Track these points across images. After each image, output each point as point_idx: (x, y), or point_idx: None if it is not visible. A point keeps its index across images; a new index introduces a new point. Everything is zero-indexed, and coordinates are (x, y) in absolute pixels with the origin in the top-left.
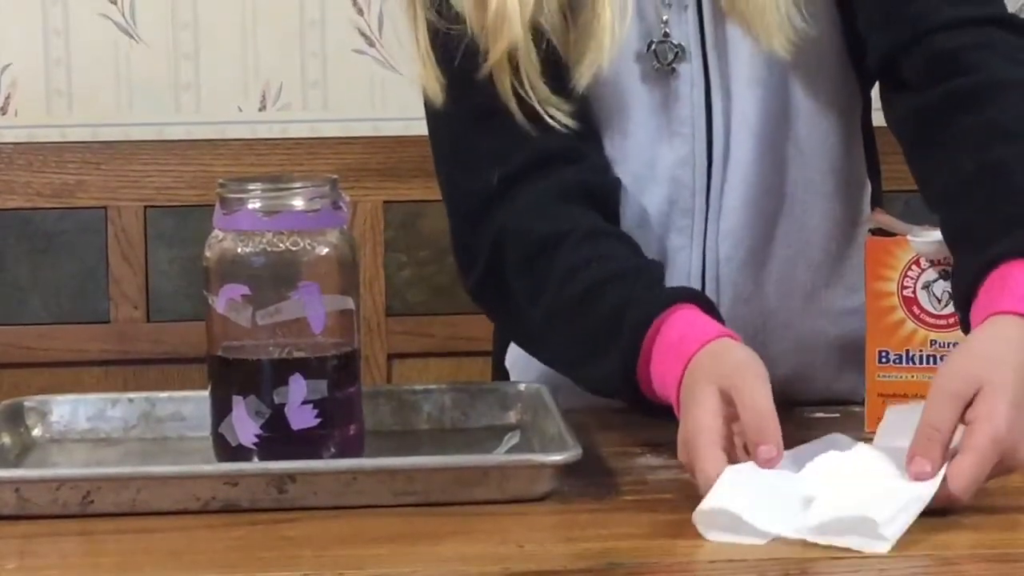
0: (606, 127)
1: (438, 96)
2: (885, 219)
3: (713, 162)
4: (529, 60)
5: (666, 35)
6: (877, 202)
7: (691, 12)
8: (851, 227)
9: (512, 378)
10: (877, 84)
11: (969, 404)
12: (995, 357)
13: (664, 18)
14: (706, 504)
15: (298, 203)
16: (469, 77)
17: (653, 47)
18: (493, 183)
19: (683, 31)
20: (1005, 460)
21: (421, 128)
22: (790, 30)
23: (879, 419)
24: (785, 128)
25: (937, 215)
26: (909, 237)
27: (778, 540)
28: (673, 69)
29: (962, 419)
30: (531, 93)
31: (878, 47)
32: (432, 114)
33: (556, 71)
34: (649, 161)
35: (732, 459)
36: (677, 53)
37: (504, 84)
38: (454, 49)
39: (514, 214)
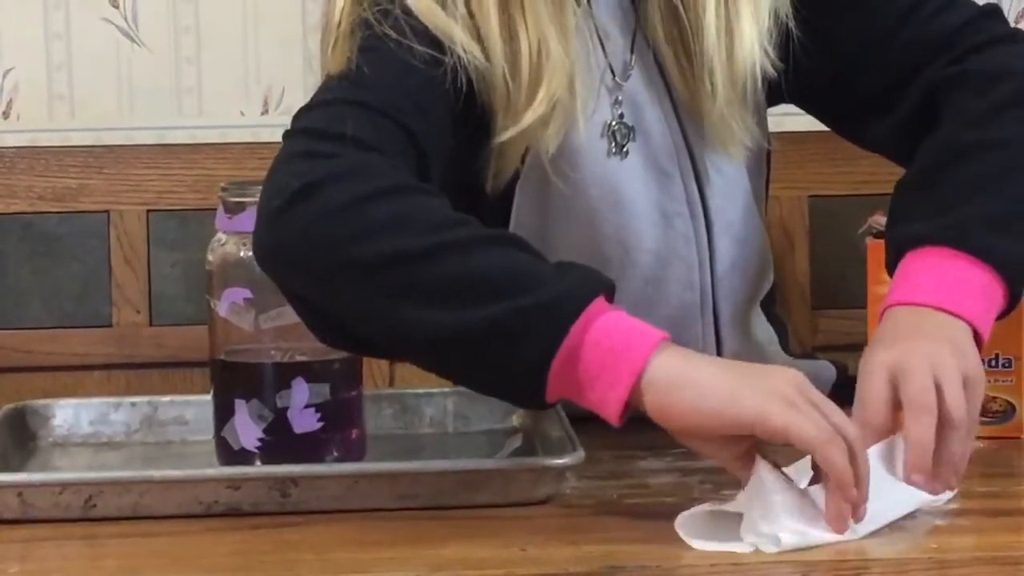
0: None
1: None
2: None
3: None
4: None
5: (621, 116)
6: None
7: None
8: None
9: None
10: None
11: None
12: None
13: (618, 98)
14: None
15: None
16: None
17: (612, 128)
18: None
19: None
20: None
21: None
22: (748, 140)
23: None
24: (755, 187)
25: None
26: None
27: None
28: (627, 152)
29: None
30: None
31: (869, 87)
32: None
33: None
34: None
35: None
36: (628, 134)
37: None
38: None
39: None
